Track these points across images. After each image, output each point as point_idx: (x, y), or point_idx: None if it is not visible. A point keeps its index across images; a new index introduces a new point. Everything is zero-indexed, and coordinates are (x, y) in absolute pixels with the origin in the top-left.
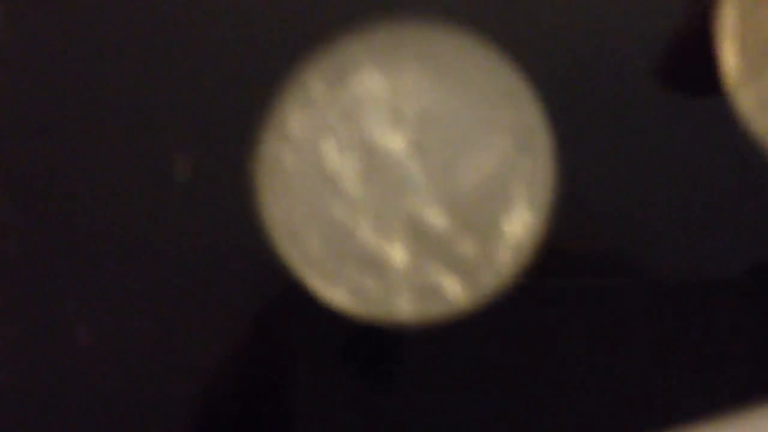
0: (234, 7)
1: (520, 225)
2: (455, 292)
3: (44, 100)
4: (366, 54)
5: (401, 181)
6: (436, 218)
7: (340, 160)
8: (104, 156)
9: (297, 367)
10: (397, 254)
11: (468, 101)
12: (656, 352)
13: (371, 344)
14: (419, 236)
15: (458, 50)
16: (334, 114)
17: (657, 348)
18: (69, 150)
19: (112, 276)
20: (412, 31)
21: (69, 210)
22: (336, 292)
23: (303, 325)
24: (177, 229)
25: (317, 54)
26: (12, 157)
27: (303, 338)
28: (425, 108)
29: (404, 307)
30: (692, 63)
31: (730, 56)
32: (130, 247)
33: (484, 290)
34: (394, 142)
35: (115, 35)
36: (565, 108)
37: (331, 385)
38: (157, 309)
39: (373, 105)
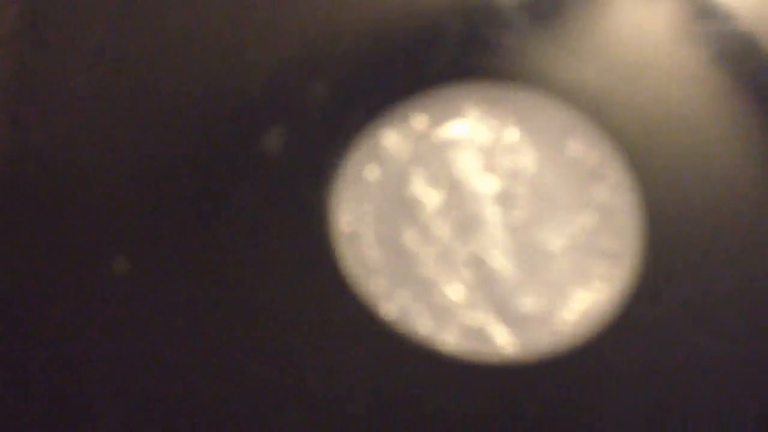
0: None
1: (589, 298)
2: (503, 342)
3: None
4: (474, 103)
5: (478, 226)
6: (503, 268)
7: (423, 190)
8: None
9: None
10: (455, 291)
11: (561, 170)
12: None
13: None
14: (481, 280)
15: (560, 121)
16: (431, 147)
17: None
18: None
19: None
20: (522, 95)
21: None
22: (386, 308)
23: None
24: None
25: (428, 93)
26: None
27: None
28: (519, 166)
29: (449, 342)
30: None
31: None
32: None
33: (537, 348)
34: (482, 188)
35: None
36: (657, 191)
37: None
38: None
39: (470, 149)
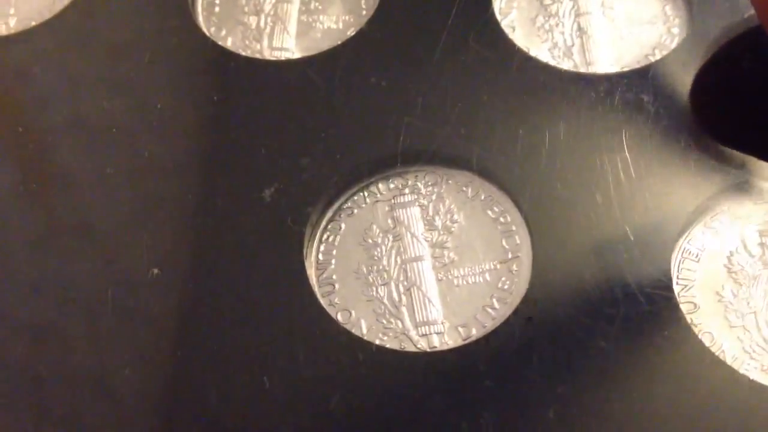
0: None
1: (487, 320)
2: (422, 346)
3: None
4: (423, 178)
5: (416, 264)
6: (429, 296)
7: (380, 236)
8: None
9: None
10: (392, 307)
11: (481, 230)
12: None
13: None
14: (412, 302)
15: (483, 194)
16: (389, 207)
17: None
18: None
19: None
20: (457, 175)
21: None
22: (342, 316)
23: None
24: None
25: (389, 169)
26: None
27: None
28: (451, 225)
29: (384, 342)
30: None
31: None
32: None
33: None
34: (422, 238)
35: None
36: (548, 250)
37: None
38: None
39: (415, 212)
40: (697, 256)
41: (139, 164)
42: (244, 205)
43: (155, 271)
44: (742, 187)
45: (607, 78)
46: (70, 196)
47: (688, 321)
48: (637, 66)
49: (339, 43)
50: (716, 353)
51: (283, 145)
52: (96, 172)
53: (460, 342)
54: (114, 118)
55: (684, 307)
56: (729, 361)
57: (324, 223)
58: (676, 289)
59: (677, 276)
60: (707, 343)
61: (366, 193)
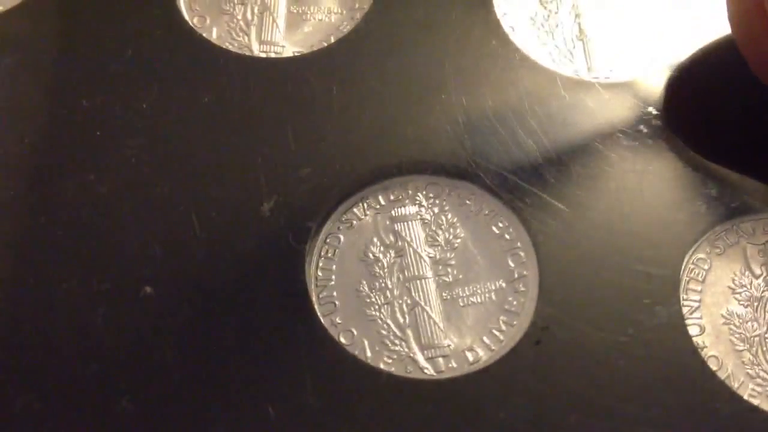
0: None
1: (492, 341)
2: (429, 371)
3: None
4: (424, 190)
5: (417, 282)
6: (432, 315)
7: (380, 251)
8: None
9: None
10: (394, 328)
11: (484, 246)
12: None
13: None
14: (414, 322)
15: (487, 208)
16: (389, 220)
17: None
18: None
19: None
20: (461, 186)
21: None
22: (343, 337)
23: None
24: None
25: (390, 180)
26: None
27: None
28: (453, 240)
29: (387, 365)
30: None
31: None
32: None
33: (452, 373)
34: (423, 254)
35: None
36: (553, 268)
37: None
38: None
39: (417, 224)
40: (702, 276)
41: (126, 171)
42: (243, 219)
43: (147, 289)
44: (743, 205)
45: (608, 86)
46: (53, 206)
47: (695, 344)
48: (639, 70)
49: (332, 39)
50: (723, 377)
51: (281, 153)
52: (78, 178)
53: (467, 366)
54: (96, 118)
55: (690, 330)
56: (735, 386)
57: (322, 236)
58: (684, 311)
59: (683, 297)
60: (714, 367)
61: (365, 204)
